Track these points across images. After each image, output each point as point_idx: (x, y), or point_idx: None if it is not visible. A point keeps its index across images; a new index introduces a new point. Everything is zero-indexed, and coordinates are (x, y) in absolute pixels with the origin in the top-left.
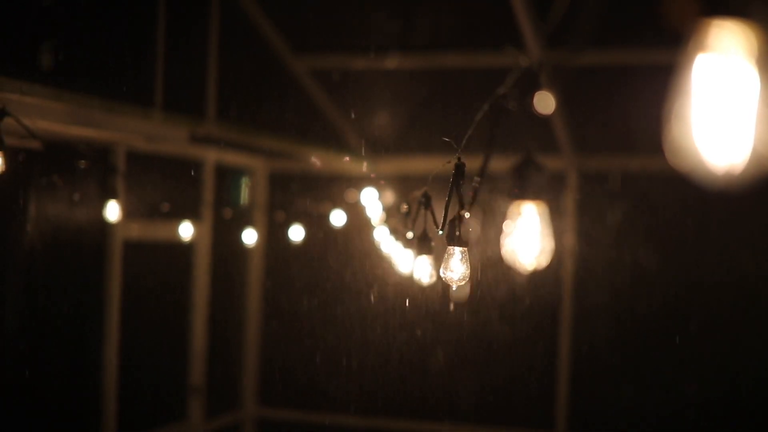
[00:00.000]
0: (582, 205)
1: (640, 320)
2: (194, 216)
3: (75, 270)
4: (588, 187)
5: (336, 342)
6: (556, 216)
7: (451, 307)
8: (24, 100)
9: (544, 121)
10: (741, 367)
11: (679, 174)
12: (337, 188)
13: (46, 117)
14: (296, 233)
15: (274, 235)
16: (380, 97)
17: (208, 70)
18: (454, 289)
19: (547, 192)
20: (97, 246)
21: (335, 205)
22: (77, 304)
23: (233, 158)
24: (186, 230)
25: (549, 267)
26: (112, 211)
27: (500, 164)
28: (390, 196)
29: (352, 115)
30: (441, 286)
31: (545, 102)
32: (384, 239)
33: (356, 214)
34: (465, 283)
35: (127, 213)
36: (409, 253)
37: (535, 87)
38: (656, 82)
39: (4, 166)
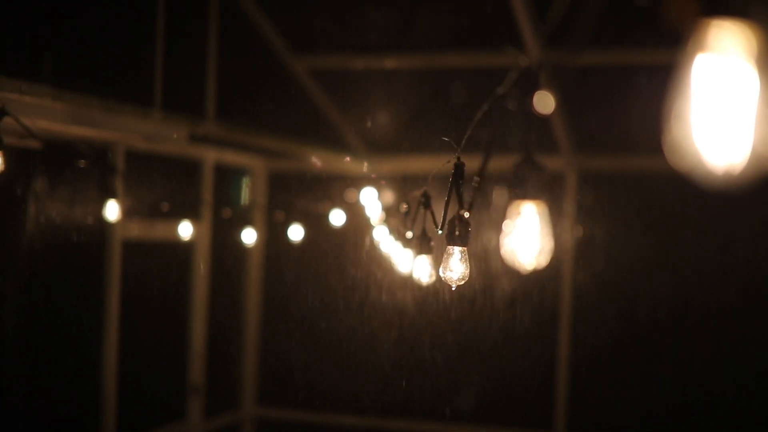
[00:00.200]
0: (582, 205)
1: (639, 320)
2: (194, 216)
3: (74, 270)
4: (588, 187)
5: (335, 342)
6: (555, 216)
7: (451, 307)
8: (23, 99)
9: (543, 121)
10: (741, 367)
11: (678, 174)
12: (336, 188)
13: (46, 116)
14: (296, 233)
15: (274, 234)
16: (380, 97)
17: (207, 69)
18: (453, 288)
19: (547, 192)
20: (96, 246)
21: (335, 205)
22: (76, 303)
23: (233, 158)
24: (185, 230)
25: (549, 267)
26: (112, 211)
27: (500, 164)
28: (389, 196)
29: (352, 116)
30: (440, 286)
31: (545, 102)
32: (383, 239)
33: (356, 213)
34: (464, 283)
35: (127, 213)
36: (409, 252)
37: (535, 87)
38: (656, 82)
39: (3, 166)
